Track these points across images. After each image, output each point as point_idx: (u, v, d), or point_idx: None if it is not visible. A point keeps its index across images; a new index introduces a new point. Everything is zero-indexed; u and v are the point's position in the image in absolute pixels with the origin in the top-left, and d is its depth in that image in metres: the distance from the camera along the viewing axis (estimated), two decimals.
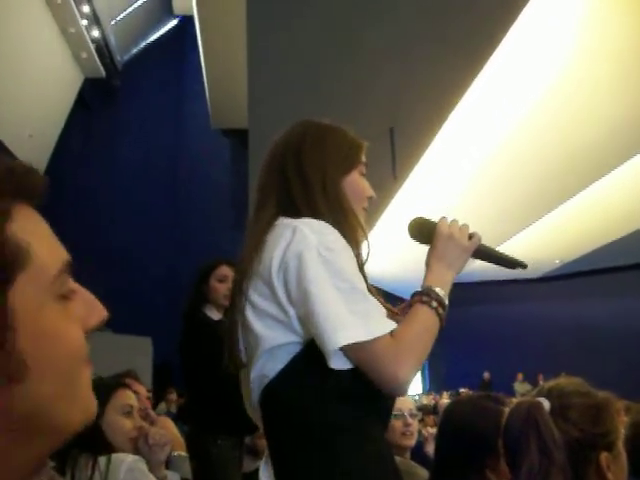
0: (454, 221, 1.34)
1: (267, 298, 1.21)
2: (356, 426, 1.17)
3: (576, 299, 16.25)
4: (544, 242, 12.85)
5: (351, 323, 1.12)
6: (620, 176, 9.97)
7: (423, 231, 1.36)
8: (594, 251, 14.23)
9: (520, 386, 14.36)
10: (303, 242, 1.17)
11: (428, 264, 1.32)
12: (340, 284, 1.15)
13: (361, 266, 1.29)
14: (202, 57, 13.45)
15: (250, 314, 1.23)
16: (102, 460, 1.71)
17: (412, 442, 2.60)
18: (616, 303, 15.57)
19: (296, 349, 1.18)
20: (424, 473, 2.34)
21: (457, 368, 15.91)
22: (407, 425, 2.55)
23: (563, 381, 1.30)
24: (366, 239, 1.35)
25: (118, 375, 2.17)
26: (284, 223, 1.24)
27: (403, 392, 1.16)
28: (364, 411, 1.17)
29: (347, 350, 1.12)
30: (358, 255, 1.29)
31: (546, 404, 1.22)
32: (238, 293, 1.26)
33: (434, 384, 17.07)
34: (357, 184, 1.38)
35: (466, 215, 1.34)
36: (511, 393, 12.43)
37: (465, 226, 1.34)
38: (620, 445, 1.25)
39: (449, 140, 8.49)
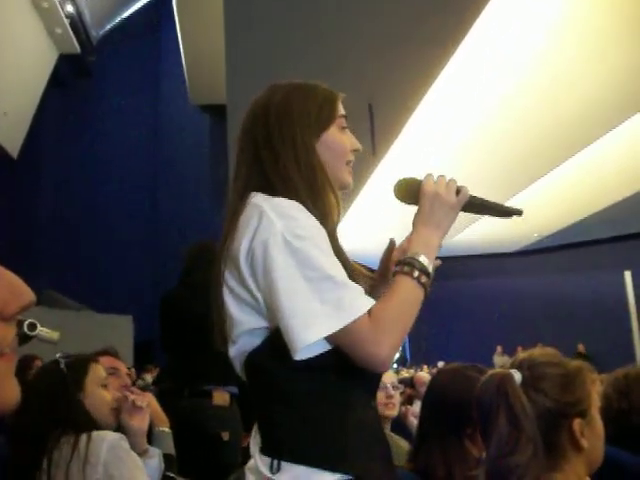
0: (440, 177, 1.30)
1: (240, 283, 1.19)
2: (337, 395, 1.17)
3: (554, 272, 16.43)
4: (522, 216, 12.94)
5: (322, 314, 1.09)
6: (597, 151, 10.05)
7: (409, 191, 1.31)
8: (572, 225, 14.37)
9: (499, 358, 14.55)
10: (269, 230, 1.13)
11: (414, 225, 1.28)
12: (309, 273, 1.11)
13: (334, 235, 1.24)
14: (179, 32, 13.30)
15: (227, 297, 1.22)
16: (82, 439, 1.71)
17: (394, 413, 2.69)
18: (595, 276, 15.76)
19: (269, 332, 1.18)
20: (404, 444, 2.38)
21: (437, 342, 16.08)
22: (389, 397, 2.63)
23: (536, 352, 1.31)
24: (338, 209, 1.28)
25: (97, 352, 2.17)
26: (252, 203, 1.19)
27: (385, 369, 1.16)
28: (346, 380, 1.17)
29: (325, 337, 1.11)
30: (333, 230, 1.24)
31: (517, 376, 1.24)
32: (218, 274, 1.25)
33: (415, 358, 17.25)
34: (336, 140, 1.31)
35: None
36: (490, 366, 12.58)
37: (452, 181, 1.29)
38: (595, 412, 1.27)
39: (428, 115, 8.48)
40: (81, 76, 16.68)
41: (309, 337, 1.09)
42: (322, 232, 1.18)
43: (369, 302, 1.14)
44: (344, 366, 1.15)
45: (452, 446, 1.69)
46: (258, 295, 1.16)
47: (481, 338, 15.25)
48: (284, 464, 1.13)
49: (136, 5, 18.17)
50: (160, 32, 17.94)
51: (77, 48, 15.42)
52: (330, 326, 1.09)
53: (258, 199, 1.19)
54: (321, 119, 1.30)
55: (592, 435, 1.24)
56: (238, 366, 1.24)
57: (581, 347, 14.68)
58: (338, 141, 1.31)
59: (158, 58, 18.12)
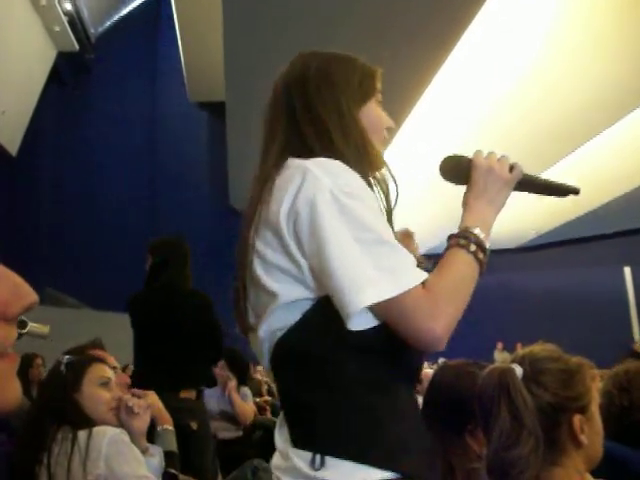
0: (491, 153, 1.19)
1: (276, 250, 1.07)
2: (386, 382, 1.07)
3: (553, 269, 16.44)
4: (520, 213, 12.95)
5: (376, 279, 0.99)
6: (596, 147, 10.05)
7: (457, 168, 1.21)
8: (569, 222, 14.38)
9: (500, 355, 14.54)
10: (315, 186, 1.03)
11: (466, 203, 1.18)
12: (361, 235, 1.01)
13: (389, 212, 1.18)
14: (178, 29, 13.27)
15: (259, 268, 1.09)
16: (83, 435, 1.72)
17: None
18: (594, 272, 15.76)
19: (310, 304, 1.06)
20: None
21: None
22: None
23: (536, 348, 1.31)
24: (391, 175, 1.20)
25: (83, 346, 2.16)
26: (294, 164, 1.09)
27: (440, 347, 1.03)
28: (394, 366, 1.07)
29: (375, 308, 1.00)
30: (387, 197, 1.19)
31: (518, 370, 1.24)
32: (244, 247, 1.12)
33: None
34: (375, 114, 1.23)
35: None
36: (491, 362, 12.56)
37: (504, 157, 1.18)
38: (594, 409, 1.28)
39: (430, 108, 8.49)
40: (80, 73, 16.67)
41: (362, 300, 0.98)
42: (371, 193, 1.11)
43: (423, 274, 1.04)
44: (391, 350, 1.05)
45: (453, 442, 1.69)
46: (302, 261, 1.04)
47: (481, 334, 15.21)
48: (328, 459, 1.01)
49: (134, 2, 18.15)
50: (159, 29, 17.90)
51: (75, 46, 15.41)
52: (385, 291, 0.99)
53: (298, 160, 1.10)
54: (363, 90, 1.23)
55: (591, 431, 1.24)
56: (266, 348, 1.12)
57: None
58: (377, 115, 1.24)
59: (157, 55, 18.08)
